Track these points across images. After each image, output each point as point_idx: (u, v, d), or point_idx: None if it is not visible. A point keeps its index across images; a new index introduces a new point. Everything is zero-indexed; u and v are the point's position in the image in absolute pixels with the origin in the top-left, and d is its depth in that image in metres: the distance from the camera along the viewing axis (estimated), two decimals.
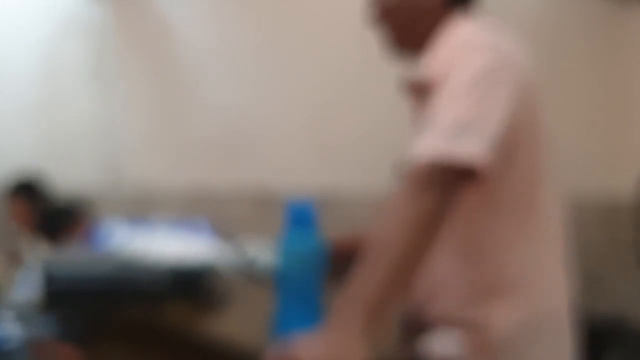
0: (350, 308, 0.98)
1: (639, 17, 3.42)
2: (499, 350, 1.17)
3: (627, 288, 3.23)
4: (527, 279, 1.20)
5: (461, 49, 1.19)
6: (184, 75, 3.81)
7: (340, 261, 1.28)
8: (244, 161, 3.68)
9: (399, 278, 1.01)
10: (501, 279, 1.19)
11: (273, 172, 3.59)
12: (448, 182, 1.06)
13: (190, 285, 1.34)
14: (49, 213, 3.34)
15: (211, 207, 3.52)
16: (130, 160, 3.87)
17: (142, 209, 3.55)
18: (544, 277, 1.22)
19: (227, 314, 1.35)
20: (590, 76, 3.47)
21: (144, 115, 3.92)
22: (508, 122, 1.10)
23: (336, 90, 3.57)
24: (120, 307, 1.29)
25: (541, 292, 1.21)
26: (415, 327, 1.22)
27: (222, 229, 1.68)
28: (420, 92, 1.26)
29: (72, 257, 1.56)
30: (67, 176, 3.64)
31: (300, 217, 1.14)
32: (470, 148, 1.05)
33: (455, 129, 1.07)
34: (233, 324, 1.30)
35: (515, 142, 1.14)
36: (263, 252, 1.53)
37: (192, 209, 3.57)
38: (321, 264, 1.16)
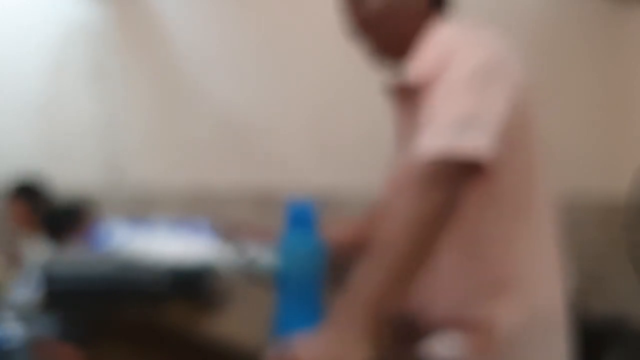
0: (351, 308, 0.98)
1: (639, 17, 3.42)
2: (501, 349, 1.17)
3: (627, 288, 3.23)
4: (526, 278, 1.20)
5: (452, 47, 1.19)
6: (184, 76, 3.81)
7: (338, 256, 1.27)
8: (244, 161, 3.68)
9: (402, 278, 1.00)
10: (501, 278, 1.19)
11: (273, 172, 3.59)
12: (453, 178, 1.05)
13: (190, 285, 1.34)
14: (52, 213, 3.34)
15: (211, 207, 3.52)
16: (131, 160, 3.87)
17: (143, 209, 3.56)
18: (542, 276, 1.22)
19: (227, 314, 1.35)
20: (590, 76, 3.47)
21: (144, 115, 3.92)
22: (508, 116, 1.10)
23: (336, 90, 3.57)
24: (120, 307, 1.29)
25: (540, 291, 1.21)
26: (416, 329, 1.22)
27: (224, 229, 1.68)
28: (409, 96, 1.25)
29: (72, 257, 1.56)
30: (67, 176, 3.64)
31: (300, 217, 1.14)
32: (476, 142, 1.05)
33: (457, 124, 1.06)
34: (233, 324, 1.30)
35: (512, 139, 1.13)
36: (263, 252, 1.53)
37: (192, 209, 3.57)
38: (321, 264, 1.16)
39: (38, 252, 3.08)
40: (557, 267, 1.25)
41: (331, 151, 3.59)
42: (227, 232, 1.63)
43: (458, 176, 1.06)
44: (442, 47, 1.21)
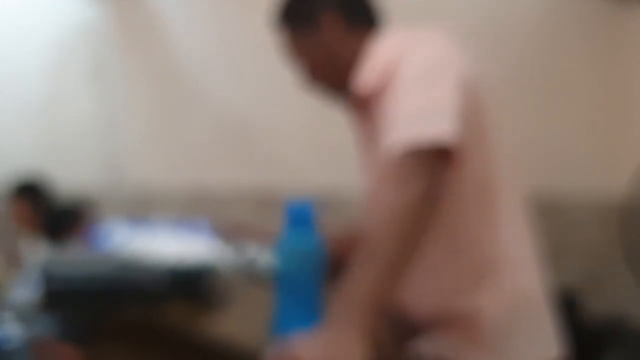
0: (348, 307, 0.98)
1: (639, 17, 3.42)
2: (489, 337, 1.19)
3: (626, 288, 3.23)
4: (503, 264, 1.21)
5: (396, 52, 1.22)
6: (184, 76, 3.82)
7: (336, 260, 1.28)
8: (244, 161, 3.68)
9: (393, 271, 1.01)
10: (479, 267, 1.21)
11: (273, 172, 3.60)
12: (426, 165, 1.06)
13: (190, 285, 1.34)
14: (53, 213, 3.35)
15: (211, 207, 3.53)
16: (131, 161, 3.87)
17: (143, 209, 3.56)
18: (517, 261, 1.23)
19: (227, 314, 1.35)
20: (590, 76, 3.47)
21: (144, 115, 3.92)
22: (461, 102, 1.12)
23: None
24: (120, 307, 1.29)
25: (518, 275, 1.23)
26: (404, 328, 1.23)
27: (223, 229, 1.68)
28: (363, 107, 1.29)
29: (72, 257, 1.56)
30: (67, 176, 3.64)
31: (300, 217, 1.14)
32: (437, 127, 1.07)
33: (416, 117, 1.09)
34: (233, 324, 1.30)
35: (469, 124, 1.15)
36: (263, 252, 1.53)
37: (192, 209, 3.57)
38: (321, 264, 1.16)
39: (38, 252, 3.08)
40: (531, 252, 1.26)
41: (331, 151, 3.59)
42: (227, 232, 1.63)
43: (431, 164, 1.07)
44: (385, 55, 1.25)
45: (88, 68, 3.93)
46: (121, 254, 1.43)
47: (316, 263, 1.15)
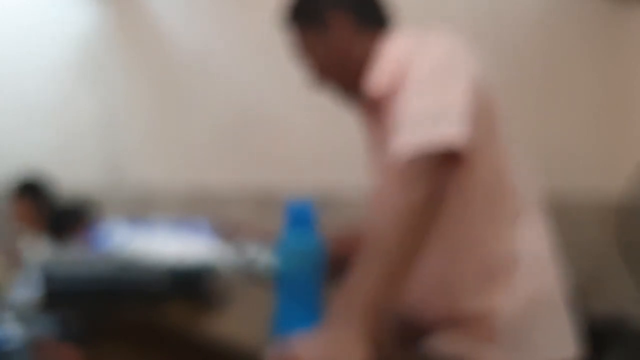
0: (349, 307, 0.99)
1: (639, 17, 3.42)
2: (504, 336, 1.18)
3: (626, 288, 3.23)
4: (517, 263, 1.21)
5: (407, 54, 1.22)
6: (184, 76, 3.82)
7: (337, 260, 1.28)
8: (244, 161, 3.68)
9: (397, 273, 1.02)
10: (492, 266, 1.20)
11: (273, 172, 3.59)
12: (434, 169, 1.07)
13: (190, 285, 1.34)
14: (55, 213, 3.35)
15: (211, 207, 3.52)
16: (131, 161, 3.87)
17: (143, 209, 3.56)
18: (530, 260, 1.23)
19: (227, 314, 1.35)
20: (590, 76, 3.47)
21: (144, 115, 3.92)
22: (472, 104, 1.12)
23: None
24: (120, 307, 1.29)
25: (531, 274, 1.22)
26: (414, 329, 1.22)
27: (223, 229, 1.68)
28: (374, 110, 1.28)
29: (72, 257, 1.56)
30: (67, 176, 3.64)
31: (300, 217, 1.14)
32: (447, 131, 1.07)
33: (426, 120, 1.09)
34: (233, 324, 1.30)
35: (479, 126, 1.15)
36: (263, 252, 1.53)
37: (192, 209, 3.57)
38: (321, 264, 1.16)
39: (39, 251, 3.08)
40: (547, 251, 1.26)
41: (331, 151, 3.59)
42: (227, 232, 1.63)
43: (439, 167, 1.07)
44: (396, 56, 1.25)
45: (88, 68, 3.93)
46: (121, 254, 1.43)
47: (316, 263, 1.15)
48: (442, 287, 1.22)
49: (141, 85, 3.94)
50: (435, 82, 1.13)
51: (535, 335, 1.21)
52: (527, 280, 1.21)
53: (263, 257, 1.52)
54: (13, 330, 2.37)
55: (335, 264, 1.26)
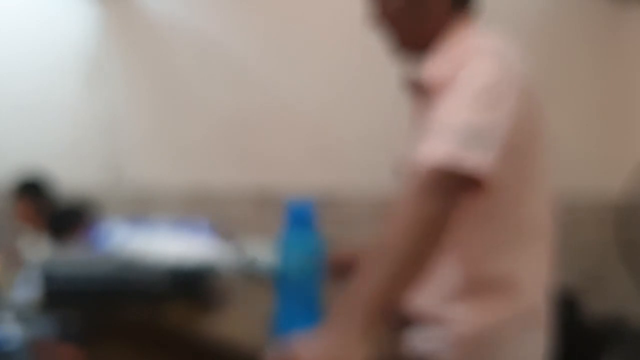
0: (351, 309, 0.99)
1: (639, 17, 3.42)
2: (475, 345, 1.19)
3: (626, 288, 3.23)
4: (511, 281, 1.21)
5: (466, 54, 1.20)
6: (184, 76, 3.81)
7: (340, 272, 1.28)
8: (244, 161, 3.68)
9: (400, 281, 1.02)
10: (484, 280, 1.20)
11: (273, 172, 3.59)
12: (451, 189, 1.06)
13: (190, 285, 1.34)
14: (56, 213, 3.35)
15: (211, 207, 3.52)
16: (131, 160, 3.87)
17: (143, 209, 3.55)
18: (528, 280, 1.23)
19: (227, 314, 1.35)
20: (590, 76, 3.47)
21: (144, 115, 3.92)
22: (512, 132, 1.11)
23: (336, 90, 3.57)
24: (120, 307, 1.29)
25: (524, 294, 1.22)
26: (398, 320, 1.23)
27: (223, 229, 1.68)
28: (422, 93, 1.26)
29: (72, 257, 1.56)
30: (67, 176, 3.64)
31: (300, 217, 1.14)
32: (478, 158, 1.06)
33: (464, 136, 1.07)
34: (233, 324, 1.30)
35: (516, 155, 1.15)
36: (263, 252, 1.53)
37: (192, 209, 3.57)
38: (321, 264, 1.16)
39: (39, 250, 3.07)
40: (546, 270, 1.26)
41: (331, 151, 3.59)
42: (227, 232, 1.63)
43: (455, 188, 1.07)
44: (458, 53, 1.22)
45: (88, 68, 3.93)
46: (121, 254, 1.43)
47: (316, 263, 1.15)
48: (429, 286, 1.22)
49: (141, 85, 3.94)
50: (482, 100, 1.11)
51: (507, 351, 1.21)
52: (513, 301, 1.21)
53: (263, 257, 1.52)
54: (13, 330, 2.37)
55: (339, 273, 1.27)
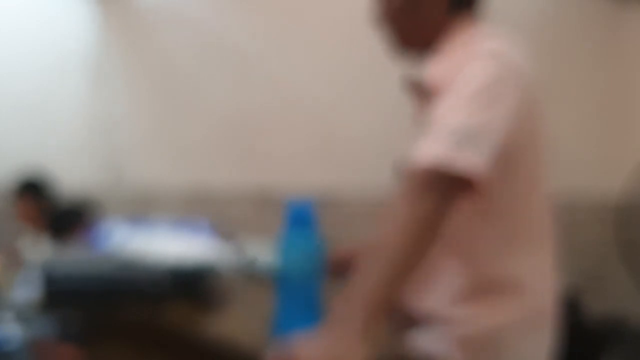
0: (349, 308, 0.99)
1: (639, 17, 3.42)
2: (480, 346, 1.19)
3: (626, 288, 3.23)
4: (517, 283, 1.21)
5: (467, 56, 1.20)
6: (184, 75, 3.81)
7: (339, 271, 1.28)
8: (244, 161, 3.68)
9: (397, 279, 1.03)
10: (489, 281, 1.21)
11: (273, 172, 3.59)
12: (446, 188, 1.07)
13: (190, 285, 1.34)
14: (57, 213, 3.35)
15: (211, 207, 3.52)
16: (131, 160, 3.87)
17: (142, 209, 3.55)
18: (534, 281, 1.23)
19: (227, 314, 1.35)
20: (590, 76, 3.47)
21: (144, 115, 3.92)
22: (508, 134, 1.12)
23: (337, 90, 3.57)
24: (120, 307, 1.29)
25: (530, 295, 1.22)
26: (403, 320, 1.23)
27: (222, 229, 1.68)
28: (423, 94, 1.26)
29: (72, 257, 1.56)
30: (67, 176, 3.64)
31: (300, 217, 1.14)
32: (472, 159, 1.06)
33: (458, 138, 1.07)
34: (233, 324, 1.30)
35: (516, 155, 1.15)
36: (263, 252, 1.53)
37: (192, 209, 3.57)
38: (321, 263, 1.16)
39: (39, 250, 3.08)
40: (550, 271, 1.26)
41: (331, 151, 3.59)
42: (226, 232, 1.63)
43: (450, 188, 1.08)
44: (460, 55, 1.22)
45: (88, 68, 3.93)
46: (121, 254, 1.43)
47: (316, 263, 1.15)
48: (438, 287, 1.22)
49: (141, 85, 3.94)
50: (480, 101, 1.11)
51: (513, 352, 1.21)
52: (521, 302, 1.21)
53: (263, 257, 1.52)
54: (13, 330, 2.37)
55: (338, 272, 1.27)
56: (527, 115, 1.17)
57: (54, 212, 3.38)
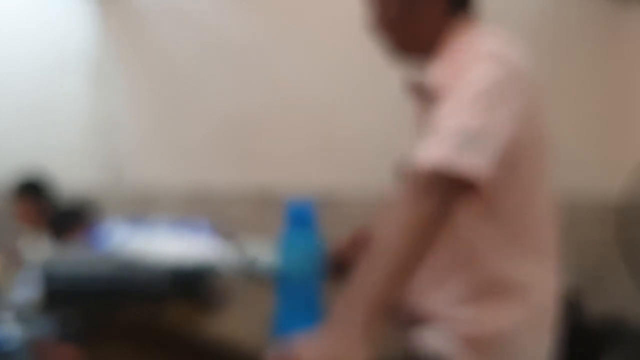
0: (351, 308, 0.99)
1: (639, 17, 3.42)
2: (483, 346, 1.19)
3: (626, 288, 3.23)
4: (520, 284, 1.22)
5: (469, 58, 1.19)
6: (184, 75, 3.81)
7: (340, 262, 1.29)
8: (244, 161, 3.67)
9: (398, 279, 1.03)
10: (494, 282, 1.21)
11: (273, 172, 3.59)
12: (448, 190, 1.07)
13: (190, 285, 1.34)
14: (58, 213, 3.35)
15: (211, 207, 3.52)
16: (131, 160, 3.87)
17: (142, 209, 3.55)
18: (537, 282, 1.23)
19: (227, 314, 1.35)
20: (590, 76, 3.47)
21: (144, 115, 3.92)
22: (511, 137, 1.12)
23: (336, 90, 3.57)
24: (120, 307, 1.29)
25: (533, 296, 1.23)
26: (408, 319, 1.23)
27: (223, 229, 1.68)
28: (424, 96, 1.26)
29: (72, 257, 1.56)
30: (67, 176, 3.64)
31: (300, 217, 1.14)
32: (474, 161, 1.06)
33: (460, 140, 1.08)
34: (233, 324, 1.30)
35: (518, 157, 1.15)
36: (263, 252, 1.53)
37: (192, 209, 3.57)
38: (321, 263, 1.16)
39: (39, 250, 3.08)
40: (553, 272, 1.26)
41: (331, 151, 3.59)
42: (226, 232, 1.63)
43: (451, 190, 1.08)
44: (462, 57, 1.22)
45: (88, 68, 3.93)
46: (121, 254, 1.43)
47: (317, 263, 1.15)
48: (443, 287, 1.22)
49: (141, 85, 3.94)
50: (482, 104, 1.11)
51: (515, 351, 1.21)
52: (524, 303, 1.21)
53: (263, 257, 1.52)
54: (13, 330, 2.37)
55: (340, 265, 1.27)
56: (530, 117, 1.18)
57: (54, 212, 3.38)
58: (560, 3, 3.51)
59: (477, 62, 1.17)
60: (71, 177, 3.70)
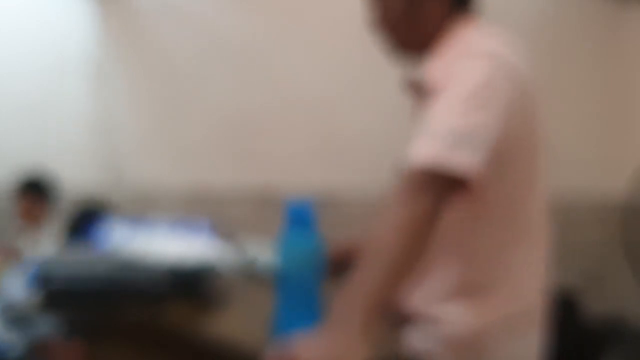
0: (348, 308, 0.99)
1: (639, 17, 3.42)
2: (468, 345, 1.19)
3: (627, 288, 3.23)
4: (505, 283, 1.21)
5: (463, 55, 1.20)
6: (184, 75, 3.81)
7: (338, 267, 1.28)
8: (244, 161, 3.67)
9: (394, 279, 1.03)
10: (478, 282, 1.21)
11: (273, 172, 3.59)
12: (440, 188, 1.08)
13: (190, 285, 1.34)
14: (77, 214, 3.38)
15: (211, 207, 3.52)
16: (131, 160, 3.87)
17: (142, 209, 3.55)
18: (523, 281, 1.23)
19: (227, 314, 1.35)
20: (590, 76, 3.47)
21: (144, 115, 3.92)
22: (502, 135, 1.12)
23: (336, 90, 3.57)
24: (120, 307, 1.29)
25: (518, 295, 1.22)
26: (395, 319, 1.23)
27: (223, 229, 1.68)
28: (420, 93, 1.26)
29: (71, 256, 1.56)
30: (68, 176, 3.64)
31: (300, 217, 1.14)
32: (465, 159, 1.07)
33: (452, 138, 1.08)
34: (233, 324, 1.30)
35: (510, 155, 1.15)
36: (263, 252, 1.53)
37: (192, 209, 3.57)
38: (321, 263, 1.16)
39: (39, 249, 3.08)
40: (541, 271, 1.26)
41: (331, 151, 3.59)
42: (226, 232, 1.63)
43: (443, 188, 1.08)
44: (456, 53, 1.22)
45: (88, 68, 3.93)
46: (121, 254, 1.43)
47: (316, 263, 1.15)
48: (423, 286, 1.22)
49: (141, 85, 3.94)
50: (473, 102, 1.11)
51: (498, 351, 1.21)
52: (508, 303, 1.21)
53: (263, 257, 1.52)
54: (12, 332, 2.37)
55: (336, 268, 1.27)
56: (523, 115, 1.17)
57: (71, 214, 3.41)
58: (560, 3, 3.51)
59: (470, 60, 1.18)
60: (71, 177, 3.70)
